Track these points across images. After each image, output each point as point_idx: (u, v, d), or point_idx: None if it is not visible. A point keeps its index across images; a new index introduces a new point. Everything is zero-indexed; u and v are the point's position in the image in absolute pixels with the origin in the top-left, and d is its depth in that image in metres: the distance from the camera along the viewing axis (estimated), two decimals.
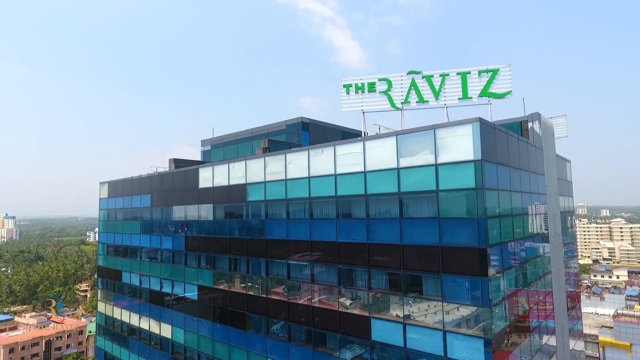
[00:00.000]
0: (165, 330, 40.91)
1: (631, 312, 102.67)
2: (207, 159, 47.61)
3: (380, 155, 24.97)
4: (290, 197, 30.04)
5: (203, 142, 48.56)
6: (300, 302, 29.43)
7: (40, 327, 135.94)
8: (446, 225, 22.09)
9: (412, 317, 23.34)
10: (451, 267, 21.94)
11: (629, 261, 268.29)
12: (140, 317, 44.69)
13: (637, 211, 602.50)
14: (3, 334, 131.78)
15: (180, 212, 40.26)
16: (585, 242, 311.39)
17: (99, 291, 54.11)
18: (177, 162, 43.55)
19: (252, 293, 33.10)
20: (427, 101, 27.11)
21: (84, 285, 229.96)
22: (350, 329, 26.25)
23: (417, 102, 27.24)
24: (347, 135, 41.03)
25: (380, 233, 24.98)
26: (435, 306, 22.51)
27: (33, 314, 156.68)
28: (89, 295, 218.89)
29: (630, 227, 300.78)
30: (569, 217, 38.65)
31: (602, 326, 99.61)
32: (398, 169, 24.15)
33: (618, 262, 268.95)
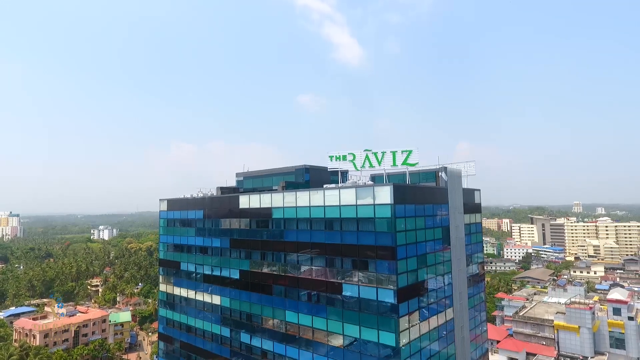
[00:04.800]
0: (216, 300, 65.65)
1: (581, 300, 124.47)
2: (240, 186, 72.58)
3: (348, 197, 49.38)
4: (299, 217, 54.55)
5: (237, 174, 73.56)
6: (304, 277, 53.87)
7: (69, 316, 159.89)
8: (378, 235, 46.54)
9: (362, 281, 47.79)
10: (380, 255, 46.38)
11: (612, 258, 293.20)
12: (195, 292, 69.48)
13: (631, 209, 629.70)
14: (37, 321, 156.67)
15: (226, 223, 64.84)
16: (572, 240, 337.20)
17: (160, 276, 78.95)
18: (222, 189, 68.52)
19: (275, 273, 57.67)
20: (374, 166, 51.70)
21: (95, 281, 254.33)
22: (331, 290, 50.69)
23: (369, 167, 51.83)
24: (334, 174, 65.29)
25: (348, 238, 49.41)
26: (374, 274, 46.95)
27: (61, 304, 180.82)
28: (100, 290, 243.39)
29: (616, 226, 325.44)
30: (475, 226, 63.11)
31: (557, 312, 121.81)
32: (356, 205, 48.56)
33: (602, 259, 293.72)
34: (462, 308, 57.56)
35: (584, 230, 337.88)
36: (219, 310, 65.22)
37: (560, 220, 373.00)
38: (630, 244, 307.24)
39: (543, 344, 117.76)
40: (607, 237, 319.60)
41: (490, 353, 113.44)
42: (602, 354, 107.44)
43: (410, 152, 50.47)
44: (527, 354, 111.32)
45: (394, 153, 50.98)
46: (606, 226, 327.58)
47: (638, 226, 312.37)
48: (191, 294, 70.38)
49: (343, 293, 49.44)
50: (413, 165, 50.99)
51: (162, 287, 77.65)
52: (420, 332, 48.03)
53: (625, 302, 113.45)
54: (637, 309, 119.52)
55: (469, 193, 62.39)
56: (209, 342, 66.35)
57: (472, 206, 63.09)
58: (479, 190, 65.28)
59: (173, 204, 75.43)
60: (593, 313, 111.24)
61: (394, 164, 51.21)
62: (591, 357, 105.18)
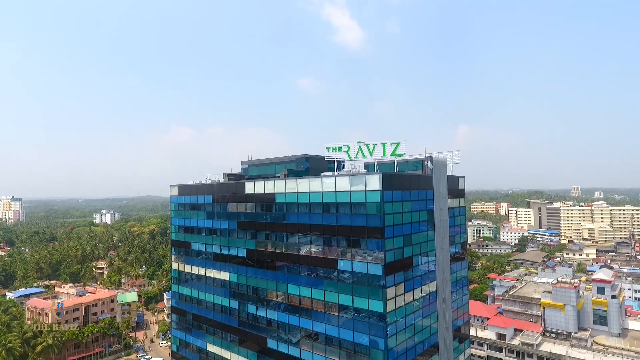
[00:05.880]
0: (224, 276, 73.56)
1: (567, 280, 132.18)
2: (245, 173, 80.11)
3: (342, 184, 56.65)
4: (299, 201, 61.91)
5: (243, 162, 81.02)
6: (304, 254, 61.48)
7: (79, 296, 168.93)
8: (369, 217, 53.94)
9: (355, 257, 55.38)
10: (370, 235, 53.86)
11: (606, 241, 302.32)
12: (205, 270, 77.37)
13: (629, 193, 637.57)
14: (49, 301, 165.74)
15: (233, 207, 72.28)
16: (568, 223, 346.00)
17: (172, 255, 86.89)
18: (229, 176, 75.81)
19: (278, 251, 65.30)
20: (366, 156, 58.81)
21: (100, 263, 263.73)
22: (328, 265, 58.33)
23: (361, 157, 58.96)
24: (330, 162, 72.37)
25: (342, 220, 56.84)
26: (365, 251, 54.50)
27: (71, 284, 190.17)
28: (105, 273, 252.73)
29: (610, 210, 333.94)
30: (459, 210, 70.52)
31: (544, 291, 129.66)
32: (350, 191, 55.82)
33: (597, 242, 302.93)
34: (445, 282, 65.37)
35: (579, 214, 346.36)
36: (228, 285, 73.23)
37: (556, 204, 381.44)
38: (625, 228, 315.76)
39: (530, 321, 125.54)
40: (602, 221, 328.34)
41: (480, 329, 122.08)
42: (585, 330, 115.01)
43: (398, 144, 57.61)
44: (515, 329, 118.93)
45: (383, 145, 58.14)
46: (601, 210, 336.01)
47: (632, 210, 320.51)
48: (201, 271, 78.42)
49: (338, 268, 57.12)
50: (400, 155, 58.22)
51: (174, 265, 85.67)
52: (405, 301, 55.86)
53: (609, 282, 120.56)
54: (620, 288, 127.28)
55: (453, 180, 69.65)
56: (218, 313, 74.67)
57: (456, 191, 70.46)
58: (463, 177, 72.51)
59: (183, 189, 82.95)
60: (578, 292, 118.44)
61: (384, 155, 58.43)
62: (574, 333, 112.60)
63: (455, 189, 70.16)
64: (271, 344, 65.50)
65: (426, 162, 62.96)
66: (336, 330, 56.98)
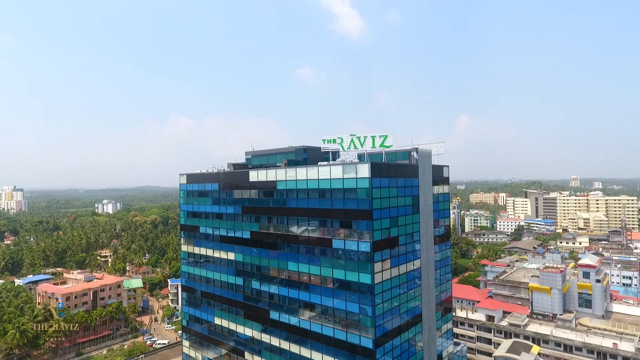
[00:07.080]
0: (230, 256, 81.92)
1: (554, 265, 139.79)
2: (249, 163, 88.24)
3: (336, 172, 64.67)
4: (298, 188, 70.02)
5: (246, 153, 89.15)
6: (302, 235, 69.68)
7: (87, 281, 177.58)
8: (359, 201, 62.10)
9: (347, 237, 63.57)
10: (361, 217, 62.02)
11: (601, 230, 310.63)
12: (213, 251, 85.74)
13: (628, 183, 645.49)
14: (59, 286, 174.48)
15: (238, 193, 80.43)
16: (564, 213, 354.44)
17: (182, 239, 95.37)
18: (234, 166, 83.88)
19: (279, 233, 73.54)
20: (357, 148, 66.88)
21: (104, 252, 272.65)
22: (324, 244, 66.57)
23: (353, 148, 66.99)
24: (326, 153, 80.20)
25: (336, 204, 64.97)
26: (356, 231, 62.66)
27: (79, 270, 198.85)
28: (109, 261, 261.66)
29: (606, 200, 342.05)
30: (443, 196, 78.56)
31: (532, 276, 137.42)
32: (343, 178, 63.87)
33: (591, 231, 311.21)
34: (429, 260, 73.69)
35: (575, 203, 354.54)
36: (233, 264, 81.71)
37: (553, 194, 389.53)
38: (619, 217, 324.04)
39: (519, 304, 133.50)
40: (597, 210, 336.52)
41: (471, 311, 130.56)
42: (571, 312, 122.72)
43: (386, 136, 65.61)
44: (504, 312, 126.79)
45: (373, 137, 66.14)
46: (597, 200, 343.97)
47: (627, 200, 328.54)
48: (209, 252, 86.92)
49: (332, 246, 65.39)
50: (388, 147, 66.30)
51: (184, 248, 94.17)
52: (391, 275, 64.21)
53: (594, 267, 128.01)
54: (605, 273, 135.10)
55: (438, 169, 77.68)
56: (225, 290, 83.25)
57: (440, 179, 78.55)
58: (448, 166, 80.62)
59: (192, 177, 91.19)
60: (564, 276, 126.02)
61: (373, 146, 66.48)
62: (560, 315, 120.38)
63: (440, 177, 78.20)
64: (273, 315, 74.10)
65: (412, 153, 70.88)
66: (330, 301, 65.41)
